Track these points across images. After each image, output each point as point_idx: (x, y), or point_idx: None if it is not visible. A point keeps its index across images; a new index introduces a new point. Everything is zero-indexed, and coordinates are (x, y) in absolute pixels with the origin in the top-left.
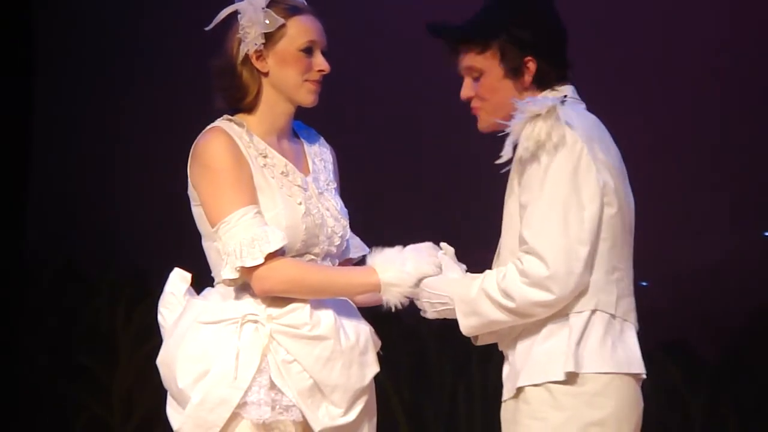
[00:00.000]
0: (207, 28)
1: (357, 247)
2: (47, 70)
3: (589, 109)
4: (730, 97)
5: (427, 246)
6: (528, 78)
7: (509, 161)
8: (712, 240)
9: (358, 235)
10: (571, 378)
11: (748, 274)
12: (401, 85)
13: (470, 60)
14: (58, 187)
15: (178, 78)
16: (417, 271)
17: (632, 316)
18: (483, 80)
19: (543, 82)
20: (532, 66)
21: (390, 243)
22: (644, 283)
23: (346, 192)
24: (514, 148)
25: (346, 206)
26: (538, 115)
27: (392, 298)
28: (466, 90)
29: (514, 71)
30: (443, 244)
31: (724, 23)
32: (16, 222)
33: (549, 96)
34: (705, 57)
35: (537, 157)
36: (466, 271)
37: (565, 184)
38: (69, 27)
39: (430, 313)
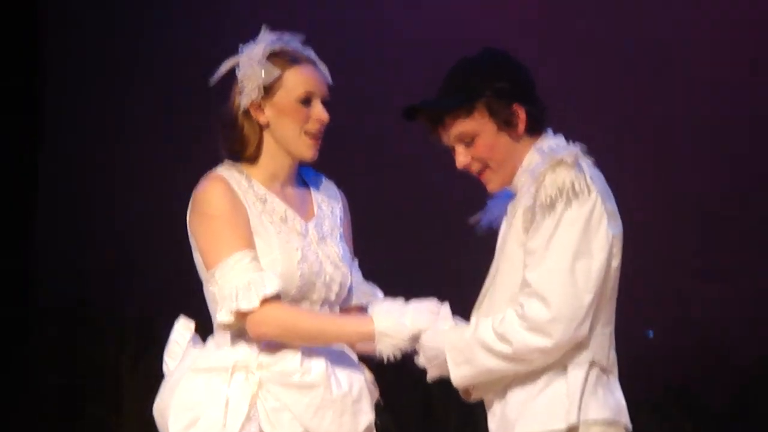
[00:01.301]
0: (211, 83)
1: (366, 293)
2: (55, 105)
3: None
4: (738, 141)
5: (429, 302)
6: (522, 125)
7: (497, 202)
8: (719, 286)
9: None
10: (572, 429)
11: (756, 321)
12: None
13: (460, 127)
14: (66, 236)
15: (191, 127)
16: (413, 325)
17: (616, 369)
18: (478, 142)
19: (535, 127)
20: (521, 113)
21: (399, 291)
22: (650, 332)
23: (357, 237)
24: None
25: (356, 251)
26: (560, 162)
27: (385, 348)
28: (462, 157)
29: (506, 123)
30: (444, 304)
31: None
32: (24, 270)
33: (561, 144)
34: (717, 102)
35: (554, 204)
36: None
37: (577, 232)
38: (78, 78)
39: (430, 371)
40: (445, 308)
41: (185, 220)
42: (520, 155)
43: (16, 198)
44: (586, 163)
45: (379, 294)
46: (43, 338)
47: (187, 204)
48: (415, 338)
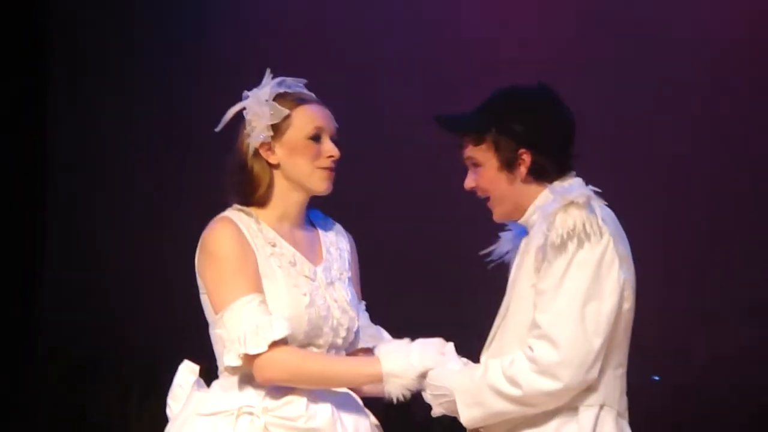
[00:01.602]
0: (217, 129)
1: (373, 336)
2: (60, 145)
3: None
4: (743, 185)
5: (435, 341)
6: (523, 170)
7: (505, 246)
8: (729, 330)
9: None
10: None
11: (762, 367)
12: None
13: (469, 151)
14: (70, 283)
15: (199, 173)
16: (421, 364)
17: (626, 414)
18: (481, 172)
19: (540, 175)
20: (527, 158)
21: (404, 333)
22: (656, 378)
23: (365, 279)
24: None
25: (364, 294)
26: (572, 203)
27: (393, 389)
28: (468, 180)
29: (508, 164)
30: (449, 344)
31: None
32: (29, 317)
33: (575, 185)
34: (725, 139)
35: (565, 245)
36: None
37: (588, 275)
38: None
39: (436, 408)
40: (450, 347)
41: (191, 263)
42: (523, 196)
43: (22, 245)
44: (599, 204)
45: (386, 336)
46: (47, 385)
47: (193, 248)
48: (423, 376)
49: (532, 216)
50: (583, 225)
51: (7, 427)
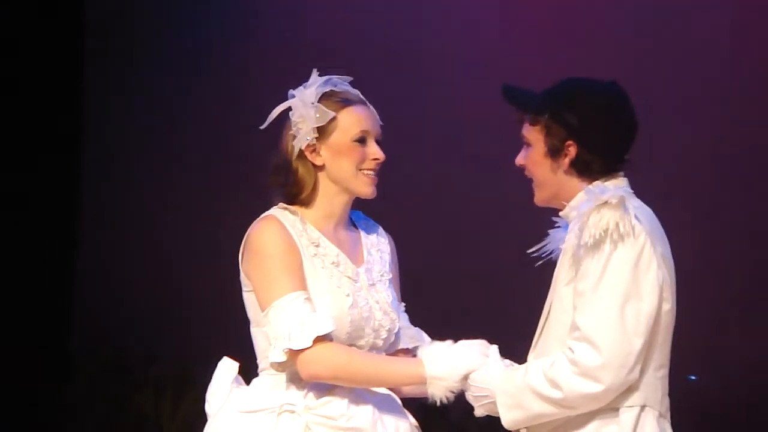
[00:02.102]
0: (262, 127)
1: (413, 337)
2: (95, 153)
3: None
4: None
5: (478, 343)
6: (566, 161)
7: (551, 245)
8: (764, 331)
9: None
10: None
11: None
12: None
13: (525, 129)
14: (104, 279)
15: (227, 173)
16: (465, 367)
17: (669, 415)
18: (530, 152)
19: (584, 170)
20: (572, 150)
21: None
22: (693, 377)
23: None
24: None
25: (402, 295)
26: (606, 203)
27: (437, 391)
28: (519, 157)
29: (553, 151)
30: (493, 346)
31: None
32: (63, 315)
33: (608, 185)
34: (755, 135)
35: (600, 245)
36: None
37: (626, 275)
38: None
39: (478, 410)
40: (494, 349)
41: (226, 262)
42: (564, 187)
43: (57, 245)
44: (636, 204)
45: (426, 338)
46: (81, 385)
47: (229, 247)
48: (466, 378)
49: (570, 213)
50: (617, 225)
51: (42, 424)
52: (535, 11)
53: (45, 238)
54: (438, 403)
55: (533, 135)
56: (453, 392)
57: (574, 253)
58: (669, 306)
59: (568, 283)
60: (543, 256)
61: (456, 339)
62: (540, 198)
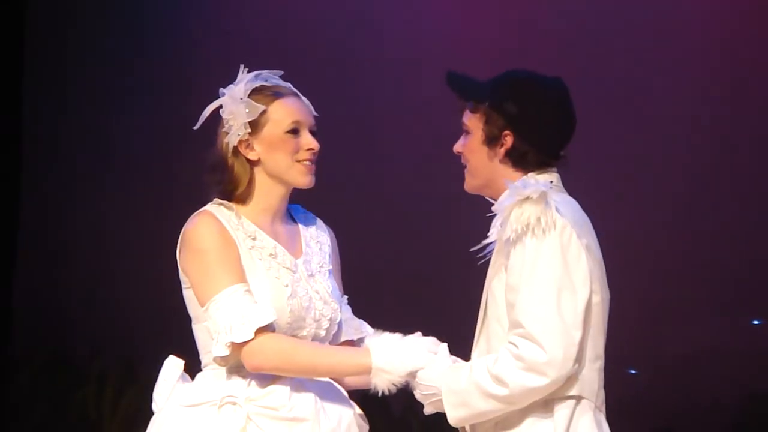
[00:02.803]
0: (195, 127)
1: (356, 329)
2: (35, 145)
3: (574, 191)
4: (719, 183)
5: (427, 340)
6: (502, 151)
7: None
8: (700, 327)
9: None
10: None
11: (737, 362)
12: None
13: (465, 116)
14: (46, 275)
15: (168, 167)
16: (412, 363)
17: (604, 408)
18: (468, 139)
19: (519, 161)
20: (508, 140)
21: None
22: (633, 371)
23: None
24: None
25: (346, 288)
26: (527, 198)
27: (381, 383)
28: (457, 144)
29: (490, 140)
30: (443, 344)
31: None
32: (4, 310)
33: (538, 179)
34: (694, 138)
35: (524, 240)
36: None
37: (557, 268)
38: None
39: (427, 407)
40: (443, 347)
41: (167, 257)
42: (497, 174)
43: None
44: (559, 198)
45: (369, 330)
46: (22, 381)
47: (170, 241)
48: (412, 375)
49: (498, 208)
50: (538, 219)
51: None
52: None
53: None
54: (380, 394)
55: (473, 122)
56: (396, 385)
57: (500, 248)
58: (599, 297)
59: (497, 277)
60: (486, 253)
61: (401, 334)
62: (470, 185)
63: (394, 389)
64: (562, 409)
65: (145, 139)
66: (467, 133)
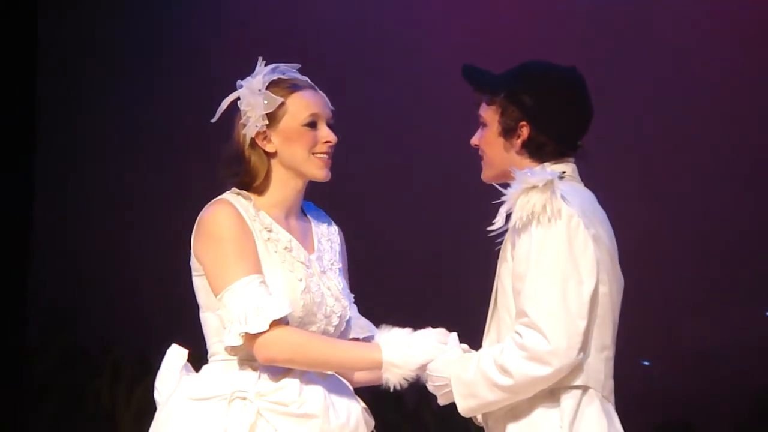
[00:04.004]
0: (212, 120)
1: (363, 328)
2: (49, 143)
3: (591, 185)
4: (734, 176)
5: (437, 331)
6: (519, 142)
7: (503, 228)
8: (716, 319)
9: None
10: None
11: (752, 355)
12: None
13: (482, 109)
14: (60, 267)
15: (178, 161)
16: (422, 357)
17: (612, 398)
18: (484, 132)
19: (536, 152)
20: (525, 131)
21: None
22: (646, 362)
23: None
24: (509, 216)
25: (351, 286)
26: (534, 187)
27: (392, 378)
28: (474, 137)
29: (507, 131)
30: (453, 334)
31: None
32: (19, 302)
33: (548, 169)
34: (710, 132)
35: (530, 228)
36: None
37: (563, 257)
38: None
39: (440, 399)
40: (453, 337)
41: (183, 249)
42: (514, 165)
43: (10, 232)
44: (567, 187)
45: (374, 330)
46: (38, 372)
47: (184, 233)
48: (422, 369)
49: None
50: (543, 207)
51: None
52: None
53: None
54: (391, 389)
55: (489, 115)
56: (407, 380)
57: (507, 237)
58: (606, 289)
59: (504, 266)
60: (498, 242)
61: (412, 326)
62: (487, 175)
63: (405, 384)
64: (568, 399)
65: (158, 132)
66: (484, 125)
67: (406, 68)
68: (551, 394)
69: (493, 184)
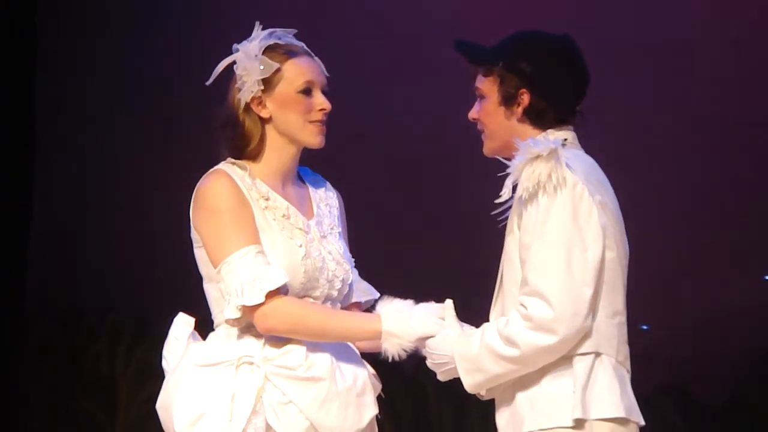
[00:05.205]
0: (207, 83)
1: (364, 291)
2: (48, 113)
3: (589, 151)
4: (734, 144)
5: (436, 306)
6: (519, 110)
7: (509, 202)
8: (713, 283)
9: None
10: (579, 423)
11: (749, 318)
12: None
13: (478, 81)
14: (59, 231)
15: (183, 127)
16: (421, 328)
17: (628, 364)
18: (483, 104)
19: (537, 119)
20: (525, 98)
21: (394, 291)
22: (645, 327)
23: (351, 237)
24: (514, 187)
25: (351, 251)
26: (538, 156)
27: (391, 348)
28: (472, 111)
29: (507, 99)
30: (448, 301)
31: (730, 66)
32: (17, 265)
33: (550, 137)
34: (710, 101)
35: (537, 197)
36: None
37: (567, 225)
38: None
39: (440, 375)
40: (450, 313)
41: (181, 216)
42: (516, 134)
43: (9, 197)
44: (571, 154)
45: (375, 292)
46: (36, 336)
47: (180, 201)
48: (421, 341)
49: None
50: (549, 176)
51: None
52: None
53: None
54: (390, 359)
55: (487, 86)
56: (406, 351)
57: (514, 208)
58: (613, 254)
59: (511, 236)
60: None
61: (414, 298)
62: (489, 148)
63: (404, 354)
64: (581, 364)
65: (157, 101)
66: (482, 97)
67: (410, 42)
68: (564, 360)
69: (502, 159)
